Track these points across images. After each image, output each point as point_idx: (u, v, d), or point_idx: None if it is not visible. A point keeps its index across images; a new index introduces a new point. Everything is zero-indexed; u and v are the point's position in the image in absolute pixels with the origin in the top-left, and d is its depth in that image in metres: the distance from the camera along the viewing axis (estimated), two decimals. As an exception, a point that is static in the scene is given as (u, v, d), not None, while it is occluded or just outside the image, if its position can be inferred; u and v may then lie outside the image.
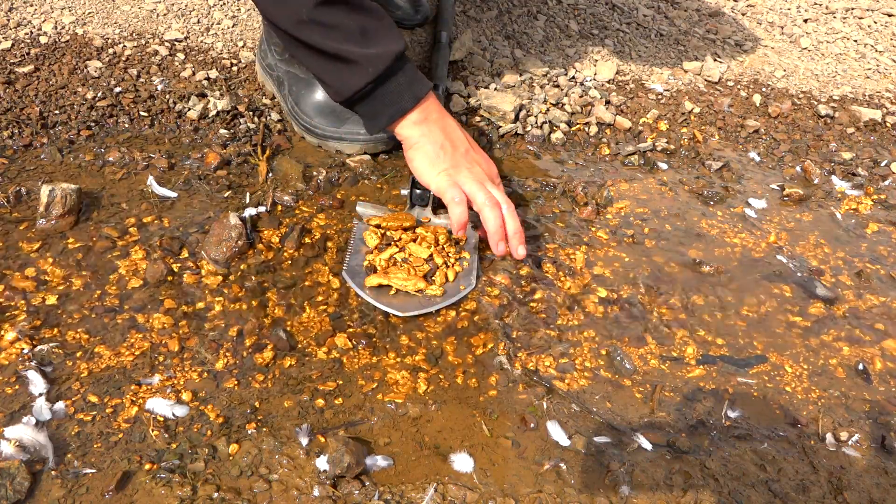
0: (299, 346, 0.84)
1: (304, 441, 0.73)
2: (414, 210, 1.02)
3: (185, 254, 0.93)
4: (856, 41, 1.73)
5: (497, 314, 0.91)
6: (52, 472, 0.68)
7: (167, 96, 1.18)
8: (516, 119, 1.28)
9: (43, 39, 1.25)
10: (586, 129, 1.30)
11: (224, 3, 1.43)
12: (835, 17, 1.83)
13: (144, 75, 1.22)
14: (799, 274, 1.05)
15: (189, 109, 1.17)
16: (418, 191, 1.02)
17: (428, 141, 0.93)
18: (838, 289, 1.03)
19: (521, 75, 1.38)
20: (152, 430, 0.73)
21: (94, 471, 0.69)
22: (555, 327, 0.91)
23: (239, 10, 1.43)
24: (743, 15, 1.80)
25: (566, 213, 1.10)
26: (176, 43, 1.31)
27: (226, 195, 1.03)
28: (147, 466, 0.70)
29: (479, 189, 0.90)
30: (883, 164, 1.32)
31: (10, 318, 0.81)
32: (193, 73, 1.24)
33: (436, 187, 0.93)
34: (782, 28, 1.75)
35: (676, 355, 0.90)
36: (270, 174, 1.08)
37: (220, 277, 0.91)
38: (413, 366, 0.84)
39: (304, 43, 0.90)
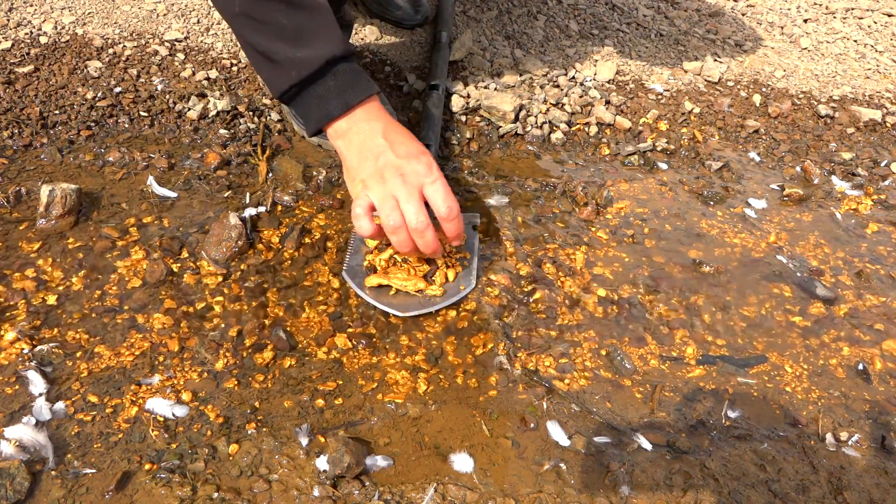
0: (299, 346, 0.84)
1: (304, 441, 0.73)
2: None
3: (185, 254, 0.93)
4: (856, 41, 1.73)
5: (497, 314, 0.91)
6: (52, 472, 0.68)
7: (167, 96, 1.18)
8: (516, 119, 1.28)
9: (43, 39, 1.25)
10: (586, 129, 1.30)
11: (224, 3, 1.43)
12: (835, 18, 1.83)
13: (144, 75, 1.22)
14: (799, 274, 1.05)
15: (189, 109, 1.17)
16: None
17: (351, 153, 0.87)
18: (838, 289, 1.03)
19: (521, 75, 1.38)
20: (152, 430, 0.73)
21: (93, 471, 0.69)
22: (555, 327, 0.91)
23: (239, 10, 1.43)
24: (743, 15, 1.80)
25: (566, 213, 1.10)
26: (176, 43, 1.31)
27: (226, 195, 1.03)
28: (147, 466, 0.70)
29: (386, 204, 0.82)
30: (883, 164, 1.32)
31: (10, 318, 0.81)
32: (193, 73, 1.24)
33: (356, 201, 0.86)
34: (782, 28, 1.75)
35: (676, 355, 0.90)
36: (270, 174, 1.08)
37: (220, 277, 0.91)
38: (413, 366, 0.84)
39: (239, 35, 0.88)
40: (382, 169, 0.83)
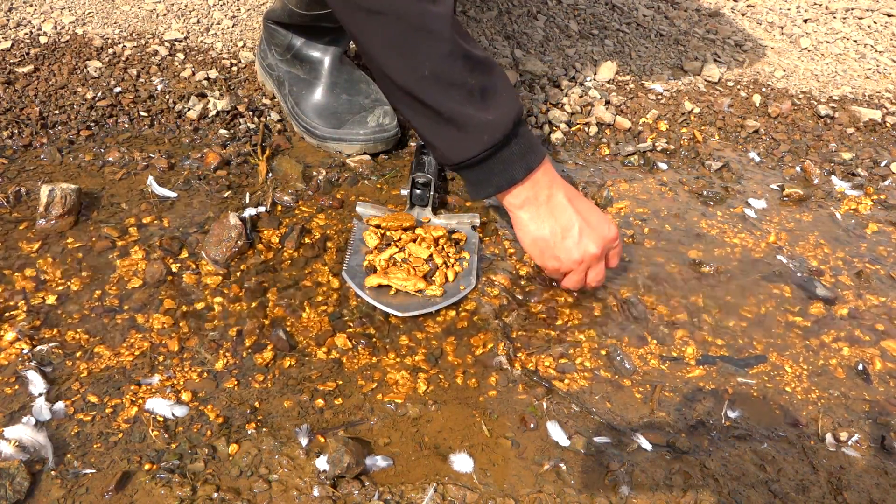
0: (299, 346, 0.84)
1: (304, 441, 0.73)
2: (414, 210, 1.02)
3: (184, 254, 0.93)
4: (856, 41, 1.73)
5: (497, 314, 0.91)
6: (52, 473, 0.68)
7: (167, 96, 1.18)
8: (516, 119, 1.27)
9: (43, 39, 1.25)
10: (586, 129, 1.30)
11: (224, 3, 1.43)
12: (835, 18, 1.83)
13: (144, 75, 1.22)
14: (799, 274, 1.05)
15: (189, 109, 1.17)
16: (418, 191, 1.02)
17: (537, 227, 0.87)
18: (838, 289, 1.03)
19: (521, 75, 1.38)
20: (152, 431, 0.73)
21: (93, 471, 0.69)
22: (555, 327, 0.91)
23: (239, 10, 1.43)
24: (743, 15, 1.80)
25: (566, 213, 1.10)
26: (176, 43, 1.31)
27: (225, 195, 1.03)
28: (147, 466, 0.70)
29: (578, 276, 0.90)
30: (883, 165, 1.32)
31: (10, 318, 0.81)
32: (193, 73, 1.24)
33: (546, 271, 0.93)
34: (782, 28, 1.75)
35: (676, 355, 0.90)
36: (270, 174, 1.08)
37: (219, 277, 0.90)
38: (413, 366, 0.84)
39: (421, 101, 0.81)
40: (585, 246, 0.87)
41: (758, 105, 1.43)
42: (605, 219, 0.89)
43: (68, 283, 0.87)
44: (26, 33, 1.26)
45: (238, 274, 0.92)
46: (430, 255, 0.94)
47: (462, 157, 0.83)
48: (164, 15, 1.37)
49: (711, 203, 1.17)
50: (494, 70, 0.83)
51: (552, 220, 0.86)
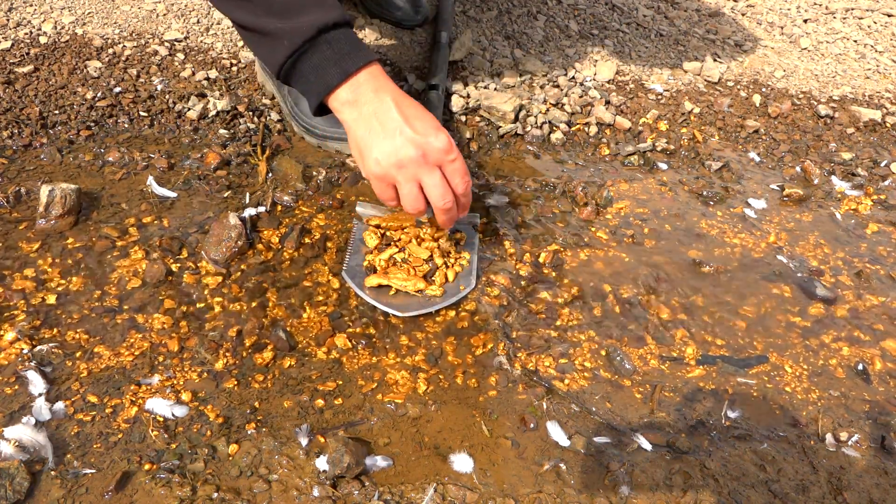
0: (299, 346, 0.84)
1: (304, 441, 0.73)
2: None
3: (184, 254, 0.93)
4: (856, 41, 1.73)
5: (497, 314, 0.91)
6: (52, 473, 0.68)
7: (167, 96, 1.18)
8: (516, 119, 1.28)
9: (43, 39, 1.25)
10: (586, 129, 1.30)
11: (224, 3, 1.43)
12: (835, 18, 1.83)
13: (144, 75, 1.22)
14: (799, 274, 1.05)
15: (189, 109, 1.17)
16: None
17: (360, 126, 0.83)
18: (838, 289, 1.03)
19: (521, 75, 1.38)
20: (152, 431, 0.73)
21: (93, 471, 0.69)
22: (555, 327, 0.91)
23: (239, 10, 1.43)
24: (743, 15, 1.80)
25: (566, 213, 1.10)
26: (176, 43, 1.31)
27: (225, 195, 1.03)
28: (147, 466, 0.70)
29: (410, 189, 0.83)
30: (883, 165, 1.32)
31: (9, 318, 0.81)
32: (193, 73, 1.24)
33: (368, 178, 0.86)
34: (782, 28, 1.75)
35: (676, 355, 0.90)
36: (270, 174, 1.08)
37: (219, 277, 0.90)
38: (413, 366, 0.84)
39: (230, 17, 0.85)
40: (400, 148, 0.81)
41: (758, 105, 1.43)
42: (435, 126, 0.83)
43: (68, 283, 0.87)
44: (26, 33, 1.26)
45: (238, 274, 0.92)
46: (431, 255, 0.94)
47: (275, 66, 0.84)
48: (164, 15, 1.37)
49: (711, 203, 1.17)
50: None
51: (374, 121, 0.82)
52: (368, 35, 1.43)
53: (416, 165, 0.81)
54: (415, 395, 0.80)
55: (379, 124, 0.82)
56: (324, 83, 0.83)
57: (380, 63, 0.85)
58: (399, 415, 0.78)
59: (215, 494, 0.68)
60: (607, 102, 1.36)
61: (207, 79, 1.24)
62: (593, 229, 1.07)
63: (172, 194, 1.01)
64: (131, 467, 0.70)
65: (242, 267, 0.92)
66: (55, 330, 0.81)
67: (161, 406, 0.75)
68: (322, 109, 0.86)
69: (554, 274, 0.98)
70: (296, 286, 0.91)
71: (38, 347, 0.79)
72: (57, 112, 1.12)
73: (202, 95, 1.20)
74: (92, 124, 1.12)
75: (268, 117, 1.19)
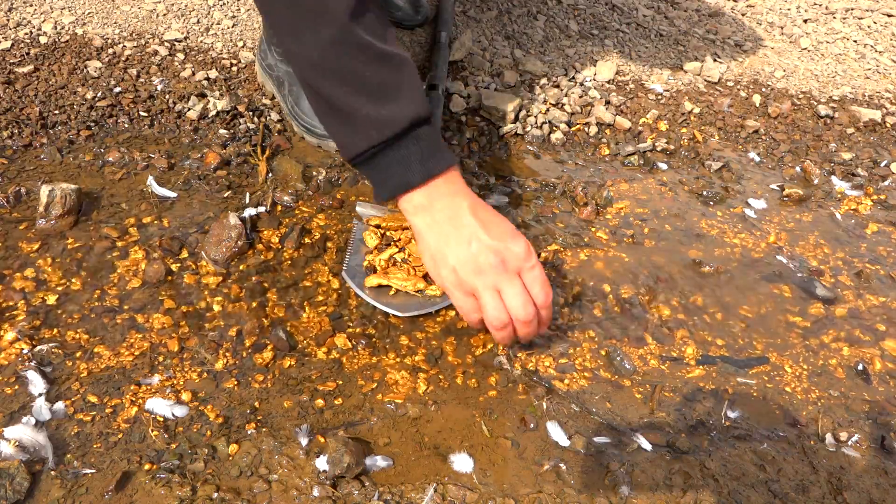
0: (299, 346, 0.84)
1: (304, 441, 0.73)
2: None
3: (184, 254, 0.93)
4: (855, 41, 1.73)
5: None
6: (52, 473, 0.68)
7: (167, 96, 1.18)
8: (516, 119, 1.28)
9: (43, 39, 1.25)
10: (586, 129, 1.30)
11: (224, 3, 1.43)
12: (834, 18, 1.83)
13: (144, 75, 1.22)
14: (799, 274, 1.05)
15: (189, 109, 1.17)
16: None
17: (433, 233, 0.79)
18: (838, 289, 1.03)
19: (521, 75, 1.38)
20: (152, 431, 0.73)
21: (93, 471, 0.69)
22: (554, 327, 0.91)
23: (239, 10, 1.43)
24: (743, 15, 1.80)
25: (566, 213, 1.10)
26: (176, 43, 1.31)
27: (225, 195, 1.03)
28: (147, 466, 0.70)
29: (491, 300, 0.77)
30: (882, 165, 1.32)
31: (9, 318, 0.81)
32: (193, 73, 1.24)
33: (445, 289, 0.81)
34: (782, 28, 1.75)
35: (676, 355, 0.90)
36: (270, 174, 1.08)
37: (219, 278, 0.90)
38: (413, 366, 0.84)
39: (314, 89, 0.78)
40: (477, 255, 0.76)
41: (758, 105, 1.43)
42: (512, 232, 0.79)
43: (68, 283, 0.87)
44: (26, 33, 1.26)
45: (238, 274, 0.92)
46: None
47: (353, 152, 0.79)
48: (164, 15, 1.37)
49: (711, 203, 1.17)
50: (402, 67, 0.78)
51: (449, 227, 0.78)
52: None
53: (496, 273, 0.76)
54: (415, 395, 0.80)
55: (453, 230, 0.78)
56: (403, 182, 0.78)
57: (458, 166, 0.80)
58: (399, 415, 0.78)
59: (215, 494, 0.68)
60: (607, 102, 1.36)
61: (207, 79, 1.24)
62: (593, 229, 1.08)
63: (172, 194, 1.01)
64: (131, 467, 0.70)
65: (242, 267, 0.92)
66: (55, 330, 0.81)
67: (161, 406, 0.75)
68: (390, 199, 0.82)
69: (554, 274, 0.98)
70: (296, 286, 0.91)
71: (38, 347, 0.79)
72: (57, 112, 1.12)
73: (202, 95, 1.20)
74: (92, 124, 1.12)
75: (268, 117, 1.19)
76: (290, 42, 0.77)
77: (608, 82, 1.42)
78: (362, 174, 0.83)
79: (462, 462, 0.74)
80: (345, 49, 0.74)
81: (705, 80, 1.49)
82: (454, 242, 0.78)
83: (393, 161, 0.78)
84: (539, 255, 1.00)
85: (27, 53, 1.21)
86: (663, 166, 1.24)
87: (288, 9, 0.75)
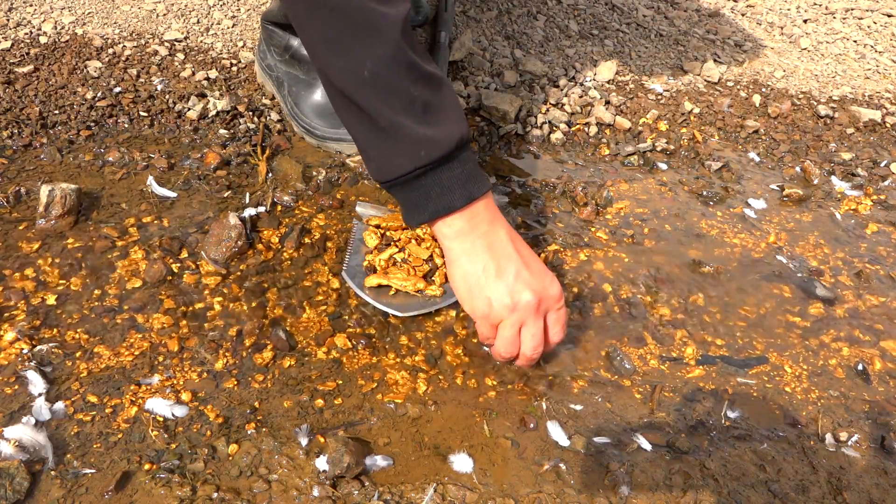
0: (299, 346, 0.84)
1: (304, 441, 0.73)
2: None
3: (184, 254, 0.93)
4: (855, 42, 1.73)
5: (497, 314, 0.91)
6: (52, 473, 0.68)
7: (167, 96, 1.18)
8: (516, 119, 1.28)
9: (43, 39, 1.25)
10: (586, 129, 1.30)
11: (224, 3, 1.43)
12: (834, 18, 1.83)
13: (144, 75, 1.22)
14: (799, 274, 1.05)
15: (189, 109, 1.17)
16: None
17: (469, 261, 0.78)
18: (838, 289, 1.03)
19: (520, 75, 1.38)
20: (152, 431, 0.73)
21: (93, 471, 0.69)
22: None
23: (239, 10, 1.43)
24: (743, 15, 1.80)
25: (566, 213, 1.10)
26: (176, 43, 1.31)
27: (225, 195, 1.03)
28: (146, 466, 0.70)
29: (509, 334, 0.78)
30: (882, 165, 1.32)
31: (9, 318, 0.81)
32: (193, 73, 1.24)
33: (473, 315, 0.81)
34: (782, 28, 1.75)
35: (676, 355, 0.90)
36: (270, 174, 1.08)
37: (219, 277, 0.90)
38: (412, 366, 0.84)
39: (358, 106, 0.75)
40: (518, 292, 0.76)
41: (758, 105, 1.43)
42: (548, 272, 0.79)
43: (68, 283, 0.87)
44: (26, 33, 1.26)
45: (238, 274, 0.92)
46: (431, 255, 0.94)
47: (395, 173, 0.76)
48: (164, 15, 1.37)
49: (711, 203, 1.17)
50: (444, 87, 0.77)
51: (487, 256, 0.77)
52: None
53: (528, 312, 0.77)
54: (415, 395, 0.80)
55: (494, 262, 0.77)
56: (446, 204, 0.76)
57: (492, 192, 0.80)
58: (399, 415, 0.78)
59: (215, 494, 0.68)
60: (607, 102, 1.36)
61: (207, 79, 1.24)
62: (593, 229, 1.08)
63: (172, 194, 1.01)
64: (131, 467, 0.70)
65: (242, 267, 0.92)
66: (55, 330, 0.81)
67: (161, 406, 0.75)
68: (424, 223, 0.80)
69: (554, 274, 0.98)
70: (296, 286, 0.91)
71: (38, 347, 0.79)
72: (57, 112, 1.12)
73: (202, 95, 1.20)
74: (92, 124, 1.12)
75: (268, 117, 1.19)
76: (335, 58, 0.74)
77: (608, 82, 1.42)
78: (396, 196, 0.81)
79: (462, 462, 0.74)
80: (396, 67, 0.73)
81: (705, 80, 1.49)
82: (494, 274, 0.77)
83: (436, 183, 0.76)
84: (539, 256, 1.00)
85: (27, 53, 1.21)
86: (663, 166, 1.24)
87: (334, 25, 0.73)
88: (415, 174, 0.75)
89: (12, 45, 1.23)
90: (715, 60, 1.56)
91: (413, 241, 0.96)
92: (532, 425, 0.79)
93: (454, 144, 0.75)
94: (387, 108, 0.73)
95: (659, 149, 1.28)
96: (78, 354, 0.79)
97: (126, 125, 1.13)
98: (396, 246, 0.95)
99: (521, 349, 0.80)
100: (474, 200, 0.77)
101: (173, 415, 0.75)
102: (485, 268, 0.77)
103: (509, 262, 0.77)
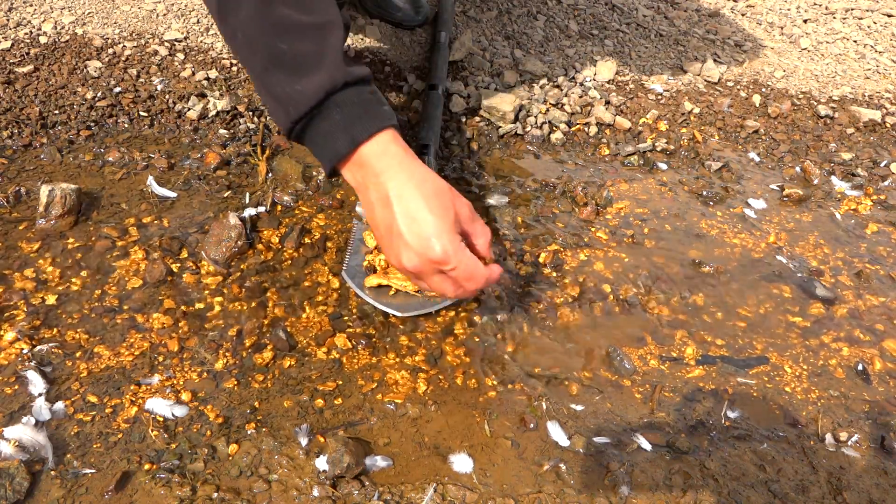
0: (299, 346, 0.84)
1: (304, 441, 0.73)
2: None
3: (184, 254, 0.93)
4: (855, 42, 1.73)
5: (497, 314, 0.91)
6: (52, 473, 0.68)
7: (167, 96, 1.18)
8: (516, 119, 1.28)
9: (43, 39, 1.25)
10: (586, 129, 1.30)
11: (224, 4, 1.43)
12: (834, 18, 1.83)
13: (144, 75, 1.22)
14: (799, 274, 1.05)
15: (189, 109, 1.17)
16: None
17: (368, 213, 0.78)
18: (838, 289, 1.03)
19: (520, 75, 1.38)
20: (152, 431, 0.73)
21: (93, 471, 0.69)
22: (555, 327, 0.91)
23: (239, 10, 1.43)
24: (743, 15, 1.80)
25: (566, 213, 1.10)
26: (176, 43, 1.31)
27: (225, 195, 1.03)
28: (146, 466, 0.70)
29: (414, 279, 0.79)
30: (882, 165, 1.32)
31: (9, 318, 0.81)
32: (193, 73, 1.24)
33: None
34: (782, 28, 1.75)
35: (676, 355, 0.90)
36: (270, 174, 1.08)
37: (219, 277, 0.90)
38: (413, 366, 0.84)
39: (241, 62, 0.77)
40: (399, 254, 0.75)
41: (758, 105, 1.43)
42: (434, 231, 0.73)
43: (68, 283, 0.87)
44: (26, 33, 1.26)
45: (238, 274, 0.92)
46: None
47: (283, 128, 0.77)
48: (164, 15, 1.37)
49: (711, 203, 1.17)
50: (322, 37, 0.74)
51: (375, 212, 0.76)
52: (368, 35, 1.43)
53: (417, 272, 0.76)
54: (415, 395, 0.80)
55: (379, 221, 0.76)
56: (332, 151, 0.76)
57: (395, 128, 0.77)
58: (399, 415, 0.78)
59: (215, 494, 0.68)
60: (607, 102, 1.36)
61: (207, 79, 1.24)
62: (593, 229, 1.08)
63: (172, 194, 1.01)
64: (131, 467, 0.70)
65: (242, 267, 0.92)
66: (55, 330, 0.81)
67: (161, 406, 0.75)
68: (336, 173, 0.79)
69: (554, 274, 0.98)
70: (296, 286, 0.91)
71: (38, 347, 0.79)
72: (57, 112, 1.12)
73: (202, 95, 1.20)
74: (92, 124, 1.12)
75: (268, 117, 1.19)
76: (221, 27, 0.76)
77: (608, 82, 1.42)
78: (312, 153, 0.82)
79: (462, 462, 0.74)
80: (261, 25, 0.73)
81: (705, 80, 1.49)
82: (379, 232, 0.77)
83: (318, 133, 0.76)
84: (539, 256, 1.00)
85: (27, 53, 1.21)
86: (663, 166, 1.24)
87: None
88: (299, 128, 0.76)
89: (12, 45, 1.23)
90: (715, 60, 1.56)
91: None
92: (532, 425, 0.79)
93: (323, 94, 0.73)
94: (258, 66, 0.74)
95: (659, 149, 1.28)
96: (78, 354, 0.79)
97: (126, 125, 1.13)
98: (396, 246, 0.95)
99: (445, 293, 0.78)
100: (360, 143, 0.75)
101: (173, 415, 0.75)
102: (376, 224, 0.77)
103: (391, 222, 0.75)
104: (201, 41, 1.33)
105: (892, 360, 0.93)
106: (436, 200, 0.74)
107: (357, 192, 0.78)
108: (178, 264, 0.91)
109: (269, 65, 0.74)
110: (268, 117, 1.19)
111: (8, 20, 1.28)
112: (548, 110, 1.31)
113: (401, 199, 0.75)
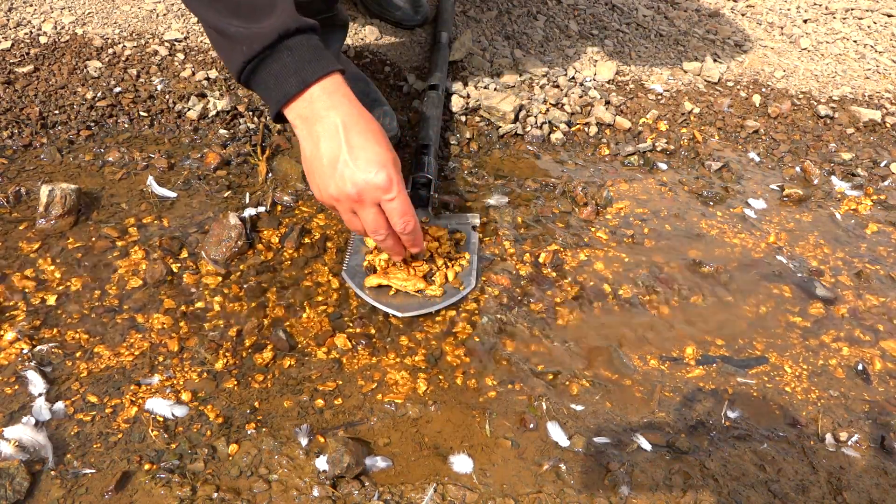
0: (299, 346, 0.84)
1: (304, 441, 0.73)
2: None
3: (184, 254, 0.93)
4: (855, 42, 1.73)
5: (497, 314, 0.91)
6: (52, 473, 0.68)
7: (167, 96, 1.18)
8: (516, 119, 1.28)
9: (43, 39, 1.25)
10: (586, 129, 1.30)
11: (224, 4, 1.43)
12: (834, 18, 1.83)
13: (144, 75, 1.22)
14: (799, 274, 1.05)
15: (189, 109, 1.17)
16: (418, 191, 1.02)
17: (308, 147, 0.81)
18: (838, 289, 1.03)
19: (520, 75, 1.38)
20: (152, 431, 0.73)
21: (93, 471, 0.69)
22: (555, 327, 0.91)
23: (239, 10, 1.43)
24: (743, 15, 1.80)
25: (566, 213, 1.10)
26: (176, 43, 1.31)
27: (225, 195, 1.03)
28: (146, 466, 0.70)
29: (348, 218, 0.82)
30: (882, 165, 1.32)
31: (9, 318, 0.81)
32: (193, 73, 1.24)
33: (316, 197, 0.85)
34: (782, 28, 1.75)
35: (676, 355, 0.90)
36: (270, 174, 1.08)
37: (219, 277, 0.90)
38: (412, 366, 0.84)
39: (193, 12, 0.82)
40: (337, 182, 0.78)
41: (758, 105, 1.43)
42: (378, 160, 0.78)
43: (68, 283, 0.87)
44: (26, 33, 1.26)
45: (238, 274, 0.92)
46: (431, 255, 0.94)
47: (234, 70, 0.80)
48: (164, 15, 1.37)
49: (711, 203, 1.17)
50: None
51: (319, 143, 0.79)
52: (368, 35, 1.43)
53: (351, 202, 0.79)
54: (415, 395, 0.80)
55: (322, 151, 0.79)
56: (282, 91, 0.79)
57: (342, 73, 0.81)
58: (399, 415, 0.78)
59: (215, 494, 0.68)
60: (607, 102, 1.36)
61: (207, 79, 1.24)
62: (593, 229, 1.08)
63: (172, 194, 1.01)
64: (131, 467, 0.70)
65: (242, 267, 0.92)
66: (55, 330, 0.81)
67: (161, 406, 0.75)
68: (281, 117, 0.83)
69: (554, 274, 0.98)
70: (296, 286, 0.91)
71: (38, 347, 0.79)
72: (57, 112, 1.12)
73: (202, 95, 1.20)
74: (92, 124, 1.12)
75: (267, 117, 1.19)
76: None
77: (608, 82, 1.42)
78: (257, 94, 0.84)
79: (462, 462, 0.74)
80: None
81: (705, 80, 1.49)
82: (320, 164, 0.79)
83: (270, 75, 0.79)
84: (539, 256, 1.00)
85: (27, 53, 1.21)
86: (663, 166, 1.24)
87: None
88: (249, 69, 0.79)
89: (12, 45, 1.23)
90: (715, 60, 1.56)
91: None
92: (532, 425, 0.79)
93: (276, 35, 0.77)
94: (214, 15, 0.79)
95: (659, 149, 1.28)
96: (78, 354, 0.79)
97: (126, 125, 1.13)
98: (396, 246, 0.95)
99: (368, 234, 0.83)
100: (309, 84, 0.78)
101: (173, 415, 0.75)
102: (314, 155, 0.80)
103: (334, 151, 0.79)
104: (201, 41, 1.33)
105: (892, 360, 0.93)
106: (382, 137, 0.80)
107: (302, 126, 0.80)
108: (178, 264, 0.91)
109: (225, 12, 0.78)
110: (268, 117, 1.19)
111: (8, 20, 1.28)
112: (548, 110, 1.31)
113: (350, 129, 0.79)
